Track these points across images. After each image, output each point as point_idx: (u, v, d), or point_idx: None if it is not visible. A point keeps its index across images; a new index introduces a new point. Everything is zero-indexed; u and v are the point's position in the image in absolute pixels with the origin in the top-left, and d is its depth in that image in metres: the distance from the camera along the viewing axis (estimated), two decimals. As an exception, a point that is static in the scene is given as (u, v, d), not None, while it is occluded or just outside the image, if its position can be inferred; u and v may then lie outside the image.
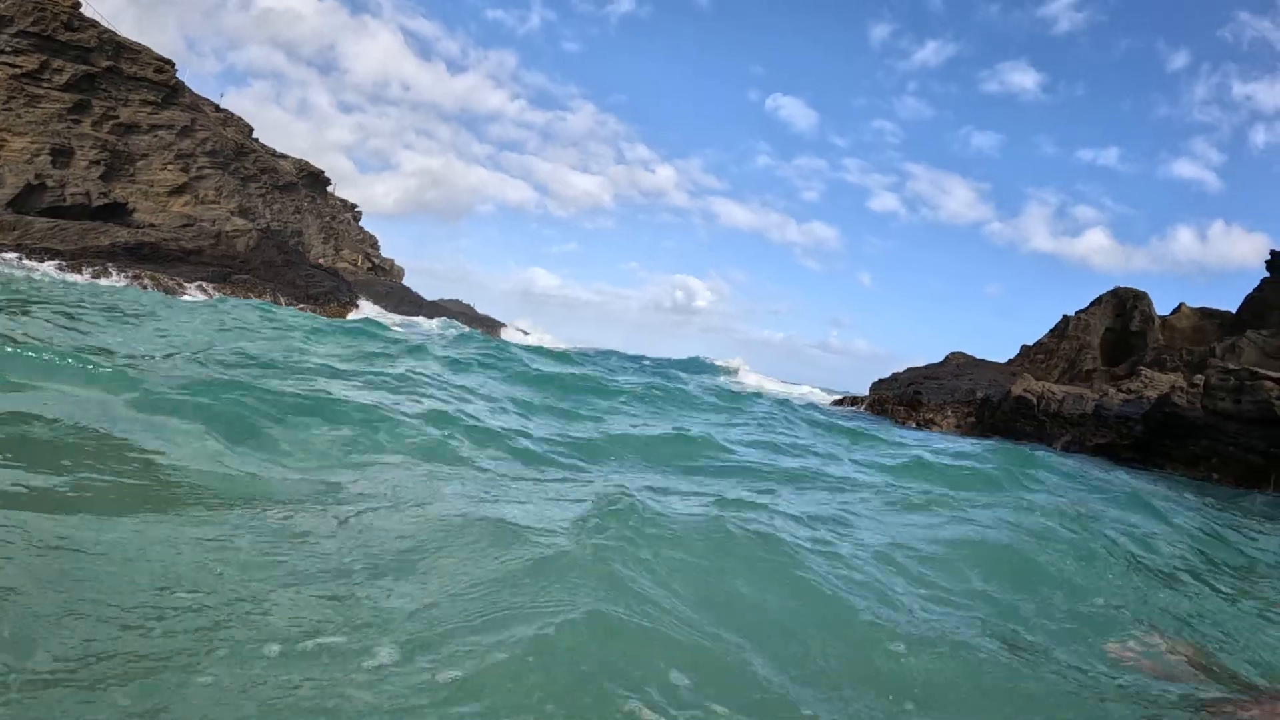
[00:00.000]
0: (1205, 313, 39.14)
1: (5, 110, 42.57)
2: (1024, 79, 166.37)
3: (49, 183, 40.47)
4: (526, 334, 73.87)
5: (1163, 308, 39.39)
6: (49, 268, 33.97)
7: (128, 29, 51.53)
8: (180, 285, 36.49)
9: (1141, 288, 39.45)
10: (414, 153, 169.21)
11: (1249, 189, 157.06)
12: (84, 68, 47.27)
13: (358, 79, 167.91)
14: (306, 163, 61.66)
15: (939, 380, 37.89)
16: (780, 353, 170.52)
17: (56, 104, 45.30)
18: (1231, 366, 24.05)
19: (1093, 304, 40.66)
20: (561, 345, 59.93)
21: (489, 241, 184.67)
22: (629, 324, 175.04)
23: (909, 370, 42.86)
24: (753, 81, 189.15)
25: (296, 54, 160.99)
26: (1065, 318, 40.98)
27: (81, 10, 49.52)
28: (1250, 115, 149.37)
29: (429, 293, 68.31)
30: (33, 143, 42.72)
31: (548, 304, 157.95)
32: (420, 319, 55.01)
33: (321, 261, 55.99)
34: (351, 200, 69.55)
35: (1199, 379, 23.96)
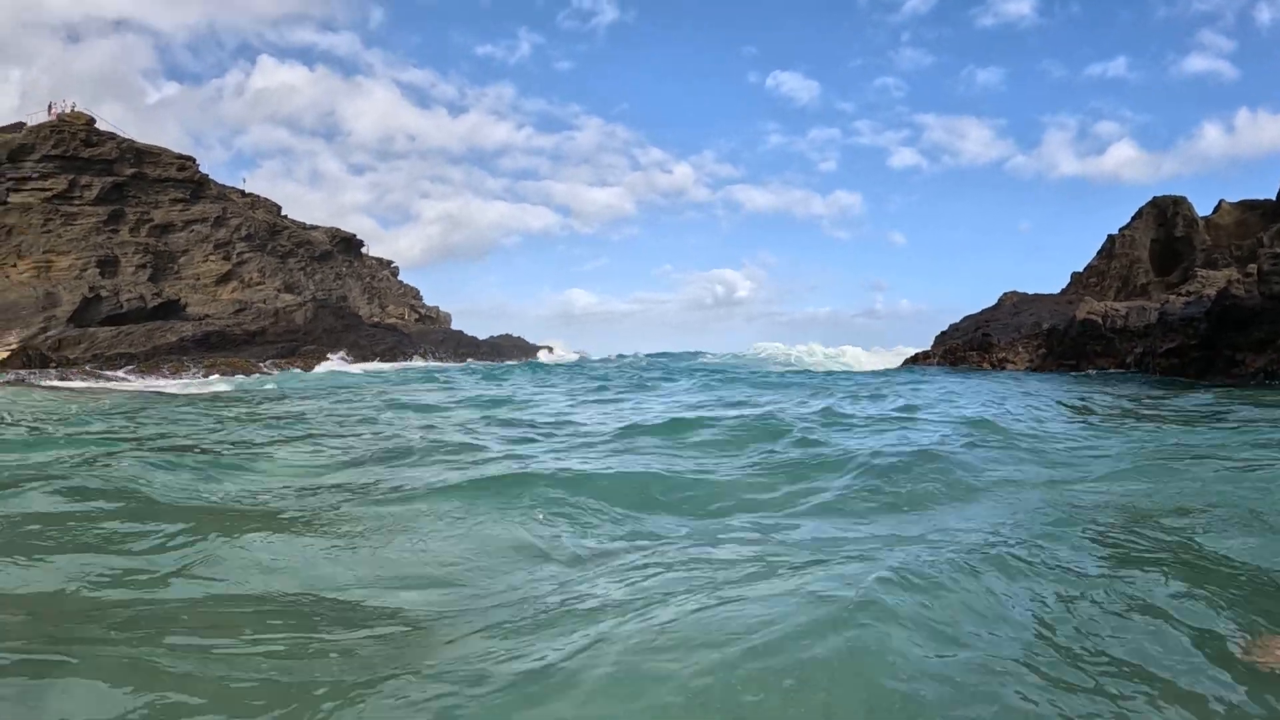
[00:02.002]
0: (1246, 205, 37.77)
1: (45, 232, 42.52)
2: (1018, 6, 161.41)
3: (103, 293, 40.17)
4: (550, 351, 72.63)
5: (1203, 208, 38.57)
6: (125, 374, 33.15)
7: (135, 137, 51.61)
8: (255, 366, 35.69)
9: (1179, 193, 38.90)
10: (431, 200, 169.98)
11: (1266, 71, 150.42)
12: (111, 179, 47.30)
13: (362, 139, 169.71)
14: (337, 229, 61.35)
15: (999, 320, 37.34)
16: (826, 326, 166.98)
17: (92, 218, 45.26)
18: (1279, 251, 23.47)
19: (1134, 218, 39.75)
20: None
21: (520, 271, 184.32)
22: (671, 327, 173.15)
23: (966, 319, 42.03)
24: (749, 63, 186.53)
25: (299, 126, 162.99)
26: (1110, 237, 40.07)
27: (96, 125, 49.73)
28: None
29: (478, 332, 67.44)
30: (78, 258, 42.59)
31: (589, 321, 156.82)
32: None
33: (378, 320, 55.36)
34: (384, 257, 69.30)
35: (1252, 268, 23.20)
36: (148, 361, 34.46)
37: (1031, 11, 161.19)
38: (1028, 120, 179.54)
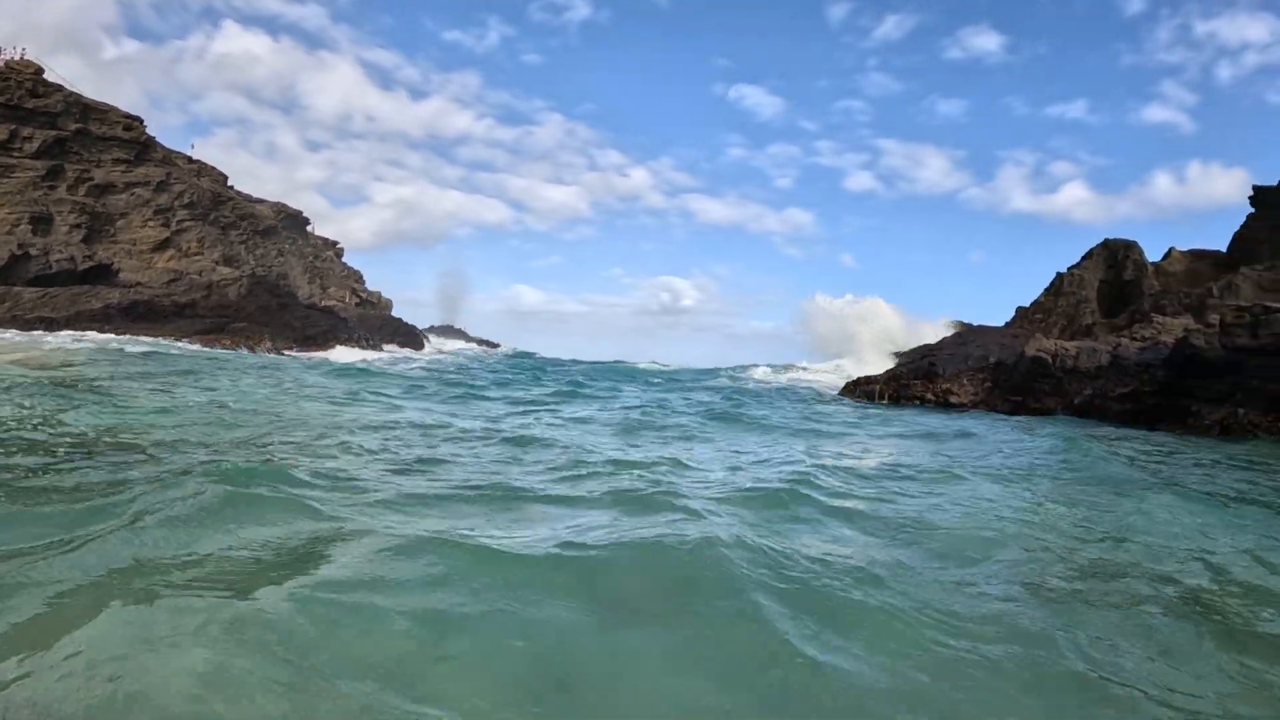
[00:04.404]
0: (1196, 254, 39.25)
1: (-21, 184, 42.05)
2: (987, 42, 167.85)
3: (33, 251, 39.98)
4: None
5: (1153, 254, 39.54)
6: (46, 336, 33.31)
7: (88, 93, 51.11)
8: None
9: (1128, 236, 39.70)
10: (386, 184, 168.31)
11: (1222, 126, 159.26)
12: (53, 133, 46.78)
13: (321, 115, 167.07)
14: (284, 205, 61.31)
15: (945, 350, 37.62)
16: (775, 342, 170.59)
17: (30, 171, 44.79)
18: (1243, 304, 24.35)
19: (1084, 258, 40.67)
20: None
21: (470, 263, 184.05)
22: (620, 331, 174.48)
23: (914, 346, 42.42)
24: (717, 74, 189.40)
25: (258, 97, 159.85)
26: (1059, 275, 40.81)
27: (45, 76, 49.08)
28: (1215, 52, 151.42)
29: (419, 321, 67.91)
30: (10, 213, 42.21)
31: (537, 319, 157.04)
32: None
33: (315, 301, 55.63)
34: (331, 238, 69.27)
35: (1214, 319, 24.12)
36: (69, 328, 34.67)
37: (999, 48, 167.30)
38: (986, 154, 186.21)
